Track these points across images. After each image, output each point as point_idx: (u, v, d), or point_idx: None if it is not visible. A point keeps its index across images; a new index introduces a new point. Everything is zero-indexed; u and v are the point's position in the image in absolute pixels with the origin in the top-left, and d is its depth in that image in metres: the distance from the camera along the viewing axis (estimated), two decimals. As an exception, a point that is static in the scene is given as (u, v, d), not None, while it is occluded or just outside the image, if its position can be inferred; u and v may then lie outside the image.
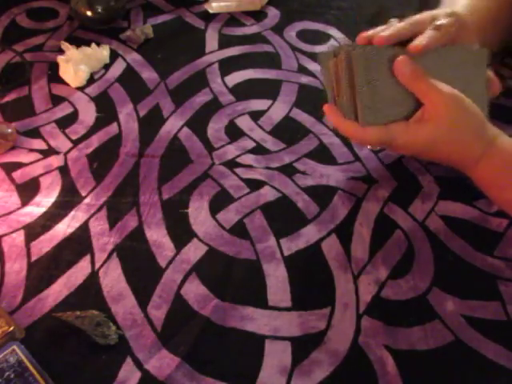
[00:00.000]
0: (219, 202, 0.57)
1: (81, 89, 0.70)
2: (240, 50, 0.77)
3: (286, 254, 0.52)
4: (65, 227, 0.54)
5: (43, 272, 0.50)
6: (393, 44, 0.46)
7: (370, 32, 0.48)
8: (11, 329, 0.43)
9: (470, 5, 0.55)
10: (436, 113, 0.45)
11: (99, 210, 0.55)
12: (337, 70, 0.48)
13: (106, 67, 0.73)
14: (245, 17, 0.84)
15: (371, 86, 0.46)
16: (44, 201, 0.56)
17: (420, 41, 0.45)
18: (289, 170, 0.60)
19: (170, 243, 0.53)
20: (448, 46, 0.47)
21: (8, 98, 0.68)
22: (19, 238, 0.53)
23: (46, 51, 0.75)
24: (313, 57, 0.77)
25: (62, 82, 0.70)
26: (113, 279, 0.50)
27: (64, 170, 0.59)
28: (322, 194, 0.58)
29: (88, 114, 0.66)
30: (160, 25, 0.81)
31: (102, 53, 0.72)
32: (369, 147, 0.62)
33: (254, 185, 0.58)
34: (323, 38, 0.81)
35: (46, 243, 0.52)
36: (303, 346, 0.46)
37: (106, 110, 0.67)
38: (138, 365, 0.44)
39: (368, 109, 0.47)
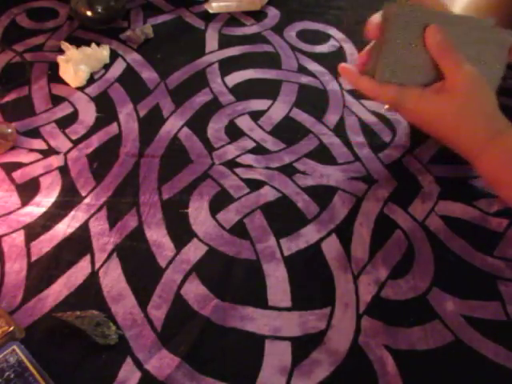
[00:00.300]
0: (219, 202, 0.57)
1: (81, 89, 0.70)
2: (240, 49, 0.77)
3: (286, 254, 0.53)
4: (65, 227, 0.54)
5: (43, 272, 0.50)
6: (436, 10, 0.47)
7: None
8: (11, 329, 0.43)
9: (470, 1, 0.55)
10: (453, 87, 0.44)
11: (99, 210, 0.55)
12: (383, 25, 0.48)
13: (106, 67, 0.73)
14: (245, 17, 0.84)
15: (399, 45, 0.46)
16: (44, 201, 0.56)
17: None
18: (289, 170, 0.60)
19: (170, 243, 0.53)
20: (480, 22, 0.47)
21: (8, 98, 0.68)
22: (19, 238, 0.53)
23: (46, 51, 0.75)
24: (313, 57, 0.77)
25: (62, 82, 0.70)
26: (113, 279, 0.50)
27: (64, 170, 0.59)
28: (322, 194, 0.58)
29: (88, 114, 0.66)
30: (160, 25, 0.81)
31: (102, 53, 0.72)
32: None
33: (254, 185, 0.58)
34: (323, 37, 0.81)
35: (46, 243, 0.52)
36: (303, 346, 0.46)
37: (106, 109, 0.67)
38: (138, 365, 0.44)
39: (387, 66, 0.46)
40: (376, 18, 0.48)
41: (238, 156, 0.62)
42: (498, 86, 0.48)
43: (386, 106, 0.61)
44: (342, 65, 0.50)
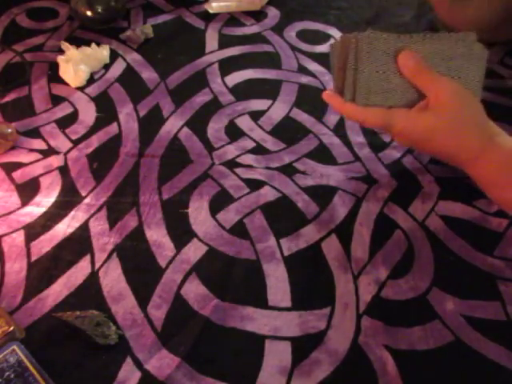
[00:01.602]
0: (219, 202, 0.57)
1: (81, 89, 0.70)
2: (240, 49, 0.77)
3: (286, 253, 0.52)
4: (65, 227, 0.54)
5: (43, 272, 0.50)
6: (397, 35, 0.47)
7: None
8: (11, 329, 0.43)
9: None
10: (438, 104, 0.45)
11: (99, 210, 0.55)
12: (343, 52, 0.48)
13: (106, 67, 0.73)
14: (245, 17, 0.84)
15: (372, 69, 0.47)
16: (44, 201, 0.56)
17: None
18: (289, 170, 0.60)
19: (170, 243, 0.53)
20: (450, 40, 0.47)
21: (8, 98, 0.68)
22: (19, 238, 0.53)
23: (46, 51, 0.75)
24: (313, 57, 0.77)
25: (62, 81, 0.70)
26: (113, 279, 0.50)
27: (64, 170, 0.59)
28: (322, 194, 0.58)
29: (88, 114, 0.66)
30: (160, 25, 0.81)
31: (102, 53, 0.72)
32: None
33: (254, 185, 0.58)
34: (323, 37, 0.81)
35: (46, 243, 0.52)
36: (303, 346, 0.46)
37: (106, 110, 0.67)
38: (138, 365, 0.44)
39: (366, 90, 0.47)
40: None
41: (238, 156, 0.62)
42: (482, 96, 0.48)
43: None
44: (326, 92, 0.51)
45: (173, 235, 0.54)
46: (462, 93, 0.45)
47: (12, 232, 0.53)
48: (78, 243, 0.53)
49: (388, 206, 0.57)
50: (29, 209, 0.55)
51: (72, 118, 0.66)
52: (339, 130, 0.65)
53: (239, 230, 0.54)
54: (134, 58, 0.75)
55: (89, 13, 0.76)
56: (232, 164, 0.61)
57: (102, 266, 0.51)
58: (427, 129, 0.46)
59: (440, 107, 0.45)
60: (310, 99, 0.70)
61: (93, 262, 0.51)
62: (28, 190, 0.57)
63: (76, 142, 0.63)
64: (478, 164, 0.45)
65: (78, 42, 0.73)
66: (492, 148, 0.45)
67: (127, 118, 0.66)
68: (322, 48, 0.79)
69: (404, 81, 0.47)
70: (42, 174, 0.59)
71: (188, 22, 0.83)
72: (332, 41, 0.80)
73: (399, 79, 0.47)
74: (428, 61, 0.46)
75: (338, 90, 0.50)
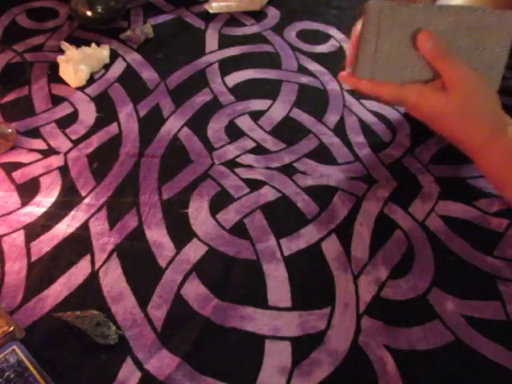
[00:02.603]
0: (219, 202, 0.57)
1: (81, 89, 0.70)
2: (240, 49, 0.77)
3: (286, 253, 0.52)
4: (65, 227, 0.54)
5: (43, 272, 0.50)
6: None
7: None
8: (11, 329, 0.43)
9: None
10: (452, 87, 0.45)
11: (99, 210, 0.55)
12: (368, 19, 0.48)
13: (106, 67, 0.73)
14: (245, 17, 0.84)
15: (393, 44, 0.46)
16: (44, 201, 0.56)
17: None
18: (289, 170, 0.60)
19: (170, 243, 0.53)
20: (470, 8, 0.47)
21: (8, 98, 0.68)
22: (19, 238, 0.53)
23: (46, 51, 0.75)
24: (313, 57, 0.77)
25: (62, 81, 0.70)
26: (113, 279, 0.50)
27: (64, 170, 0.59)
28: (322, 194, 0.58)
29: (88, 113, 0.66)
30: (160, 25, 0.81)
31: (102, 53, 0.72)
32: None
33: (254, 185, 0.58)
34: (323, 37, 0.81)
35: (46, 243, 0.52)
36: (303, 346, 0.46)
37: (106, 110, 0.67)
38: (138, 365, 0.44)
39: (386, 65, 0.47)
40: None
41: (238, 156, 0.62)
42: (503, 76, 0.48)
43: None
44: (341, 74, 0.51)
45: (173, 235, 0.54)
46: (476, 81, 0.45)
47: (12, 232, 0.53)
48: (78, 243, 0.52)
49: (388, 206, 0.57)
50: (29, 209, 0.55)
51: (72, 118, 0.66)
52: (339, 130, 0.66)
53: (239, 229, 0.54)
54: (134, 58, 0.75)
55: (89, 13, 0.76)
56: (232, 164, 0.61)
57: (102, 266, 0.51)
58: (437, 109, 0.46)
59: (452, 91, 0.45)
60: (310, 99, 0.70)
61: (93, 262, 0.51)
62: (28, 190, 0.57)
63: (76, 142, 0.63)
64: (484, 155, 0.46)
65: (78, 42, 0.73)
66: (499, 137, 0.45)
67: (127, 117, 0.66)
68: (322, 48, 0.79)
69: (422, 57, 0.46)
70: (42, 174, 0.59)
71: (188, 21, 0.83)
72: (332, 41, 0.80)
73: (418, 55, 0.46)
74: (451, 34, 0.46)
75: (354, 64, 0.49)
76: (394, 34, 0.46)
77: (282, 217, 0.56)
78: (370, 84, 0.49)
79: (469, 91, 0.45)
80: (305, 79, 0.73)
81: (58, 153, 0.61)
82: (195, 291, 0.49)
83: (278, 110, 0.68)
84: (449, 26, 0.46)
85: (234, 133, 0.64)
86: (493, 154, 0.45)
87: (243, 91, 0.70)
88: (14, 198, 0.56)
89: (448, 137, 0.49)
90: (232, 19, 0.84)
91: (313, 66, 0.75)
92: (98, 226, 0.54)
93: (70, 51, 0.71)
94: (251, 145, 0.63)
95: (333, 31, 0.82)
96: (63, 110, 0.67)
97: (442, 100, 0.46)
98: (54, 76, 0.71)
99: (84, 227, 0.54)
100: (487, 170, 0.47)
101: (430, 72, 0.47)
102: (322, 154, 0.62)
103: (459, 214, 0.56)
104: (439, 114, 0.46)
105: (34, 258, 0.51)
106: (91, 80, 0.71)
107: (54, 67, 0.71)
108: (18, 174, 0.59)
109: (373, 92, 0.49)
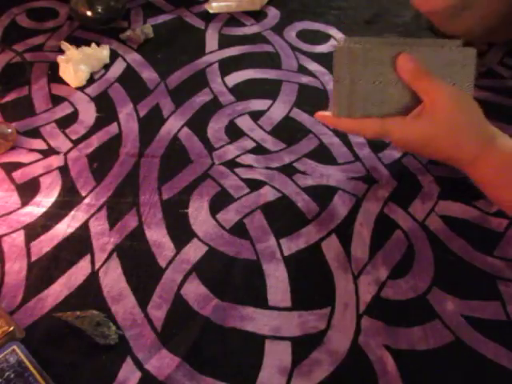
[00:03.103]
0: (219, 202, 0.57)
1: (81, 89, 0.70)
2: (240, 49, 0.77)
3: (286, 253, 0.52)
4: (65, 227, 0.54)
5: (43, 272, 0.50)
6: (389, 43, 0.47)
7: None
8: (11, 329, 0.43)
9: None
10: (435, 109, 0.45)
11: (99, 210, 0.55)
12: (336, 64, 0.48)
13: (106, 67, 0.73)
14: (245, 17, 0.84)
15: (368, 80, 0.47)
16: (44, 201, 0.56)
17: None
18: (289, 170, 0.60)
19: (170, 243, 0.53)
20: (436, 47, 0.47)
21: (8, 98, 0.68)
22: (19, 238, 0.53)
23: (46, 51, 0.75)
24: (313, 57, 0.77)
25: (62, 81, 0.70)
26: (113, 279, 0.50)
27: (64, 170, 0.59)
28: (322, 194, 0.58)
29: (88, 113, 0.66)
30: (160, 25, 0.81)
31: (102, 53, 0.72)
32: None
33: (254, 185, 0.58)
34: (323, 37, 0.81)
35: (46, 243, 0.52)
36: (303, 346, 0.46)
37: (106, 109, 0.67)
38: (138, 365, 0.44)
39: (363, 101, 0.48)
40: None
41: (238, 156, 0.62)
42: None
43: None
44: (318, 113, 0.51)
45: (173, 235, 0.54)
46: (459, 97, 0.46)
47: (12, 232, 0.53)
48: (78, 243, 0.53)
49: (388, 206, 0.57)
50: (29, 209, 0.55)
51: (72, 118, 0.66)
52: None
53: (239, 229, 0.54)
54: (133, 58, 0.75)
55: (89, 13, 0.76)
56: (232, 164, 0.61)
57: (102, 265, 0.51)
58: (424, 136, 0.46)
59: (437, 112, 0.45)
60: (310, 99, 0.69)
61: (93, 262, 0.51)
62: (28, 190, 0.57)
63: (76, 142, 0.63)
64: (477, 165, 0.46)
65: (78, 42, 0.73)
66: (490, 150, 0.45)
67: (127, 117, 0.66)
68: (322, 48, 0.79)
69: (400, 88, 0.47)
70: (42, 174, 0.59)
71: (188, 21, 0.83)
72: (332, 41, 0.80)
73: (395, 87, 0.47)
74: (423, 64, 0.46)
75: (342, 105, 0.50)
76: (367, 71, 0.47)
77: (282, 217, 0.56)
78: (350, 122, 0.49)
79: (453, 109, 0.45)
80: (305, 79, 0.73)
81: (58, 153, 0.61)
82: (195, 291, 0.49)
83: (278, 110, 0.68)
84: (421, 60, 0.46)
85: (234, 133, 0.64)
86: (485, 166, 0.45)
87: (243, 91, 0.70)
88: (14, 198, 0.56)
89: (440, 158, 0.49)
90: (232, 19, 0.84)
91: (313, 66, 0.75)
92: (98, 226, 0.54)
93: (70, 51, 0.71)
94: (251, 145, 0.63)
95: (333, 31, 0.82)
96: (63, 110, 0.67)
97: (426, 126, 0.46)
98: (54, 76, 0.71)
99: (84, 227, 0.54)
100: (481, 181, 0.47)
101: (408, 100, 0.47)
102: (322, 154, 0.62)
103: (459, 213, 0.56)
104: (427, 140, 0.46)
105: (33, 258, 0.51)
106: (91, 80, 0.71)
107: (54, 67, 0.71)
108: (18, 174, 0.59)
109: (353, 129, 0.50)
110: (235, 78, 0.72)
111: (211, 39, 0.79)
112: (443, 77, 0.46)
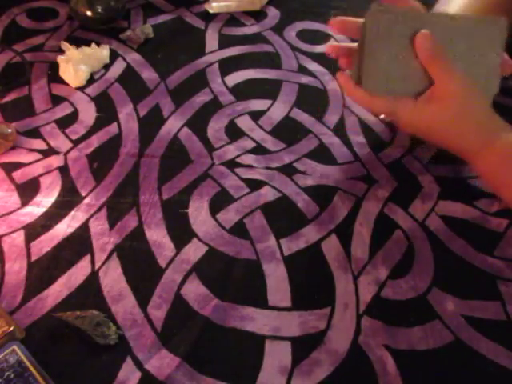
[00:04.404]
0: (219, 202, 0.57)
1: (81, 89, 0.70)
2: (240, 49, 0.77)
3: (286, 253, 0.52)
4: (65, 227, 0.54)
5: (43, 272, 0.50)
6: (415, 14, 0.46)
7: None
8: (11, 329, 0.43)
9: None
10: (445, 95, 0.45)
11: (99, 209, 0.55)
12: (363, 32, 0.48)
13: (106, 67, 0.73)
14: (245, 17, 0.84)
15: (391, 55, 0.46)
16: (44, 201, 0.56)
17: None
18: (289, 170, 0.60)
19: (170, 243, 0.53)
20: (465, 16, 0.47)
21: (8, 98, 0.68)
22: (19, 238, 0.53)
23: (46, 51, 0.75)
24: (313, 57, 0.77)
25: (62, 81, 0.70)
26: (113, 279, 0.50)
27: (64, 170, 0.59)
28: (322, 194, 0.58)
29: (88, 113, 0.66)
30: (160, 25, 0.81)
31: (102, 53, 0.72)
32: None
33: (254, 185, 0.58)
34: (323, 37, 0.81)
35: (46, 243, 0.52)
36: (303, 346, 0.46)
37: (106, 110, 0.67)
38: (138, 365, 0.44)
39: (385, 77, 0.47)
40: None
41: (238, 156, 0.62)
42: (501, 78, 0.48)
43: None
44: (341, 72, 0.50)
45: (173, 235, 0.54)
46: (469, 88, 0.45)
47: (12, 232, 0.53)
48: (78, 243, 0.53)
49: (388, 206, 0.57)
50: (29, 209, 0.55)
51: (72, 118, 0.66)
52: (339, 130, 0.65)
53: (239, 230, 0.54)
54: (133, 58, 0.75)
55: (89, 13, 0.76)
56: (232, 164, 0.61)
57: (102, 265, 0.51)
58: (432, 121, 0.46)
59: (445, 99, 0.45)
60: (310, 99, 0.69)
61: (93, 262, 0.51)
62: (28, 190, 0.57)
63: (76, 142, 0.63)
64: (481, 157, 0.46)
65: (78, 42, 0.73)
66: (495, 142, 0.45)
67: (127, 117, 0.66)
68: (322, 48, 0.78)
69: (420, 66, 0.46)
70: (42, 174, 0.59)
71: (188, 21, 0.83)
72: (332, 41, 0.80)
73: (417, 64, 0.46)
74: (447, 41, 0.45)
75: (356, 73, 0.49)
76: (392, 45, 0.46)
77: (282, 217, 0.56)
78: (364, 96, 0.48)
79: (462, 98, 0.45)
80: (305, 79, 0.73)
81: (57, 153, 0.61)
82: (195, 291, 0.49)
83: (277, 110, 0.68)
84: (444, 34, 0.45)
85: (234, 133, 0.64)
86: (491, 157, 0.45)
87: (243, 91, 0.70)
88: (14, 198, 0.56)
89: (445, 145, 0.49)
90: (232, 19, 0.84)
91: (313, 66, 0.75)
92: (98, 226, 0.54)
93: (70, 51, 0.71)
94: (251, 145, 0.63)
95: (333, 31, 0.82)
96: (63, 110, 0.67)
97: (435, 113, 0.45)
98: (54, 76, 0.71)
99: (84, 227, 0.54)
100: (485, 173, 0.47)
101: (426, 82, 0.46)
102: (322, 154, 0.62)
103: (459, 213, 0.56)
104: (435, 126, 0.46)
105: (33, 258, 0.51)
106: (91, 80, 0.71)
107: (54, 67, 0.71)
108: (18, 174, 0.59)
109: (365, 103, 0.49)
110: (235, 77, 0.72)
111: (211, 39, 0.79)
112: (471, 49, 0.46)
